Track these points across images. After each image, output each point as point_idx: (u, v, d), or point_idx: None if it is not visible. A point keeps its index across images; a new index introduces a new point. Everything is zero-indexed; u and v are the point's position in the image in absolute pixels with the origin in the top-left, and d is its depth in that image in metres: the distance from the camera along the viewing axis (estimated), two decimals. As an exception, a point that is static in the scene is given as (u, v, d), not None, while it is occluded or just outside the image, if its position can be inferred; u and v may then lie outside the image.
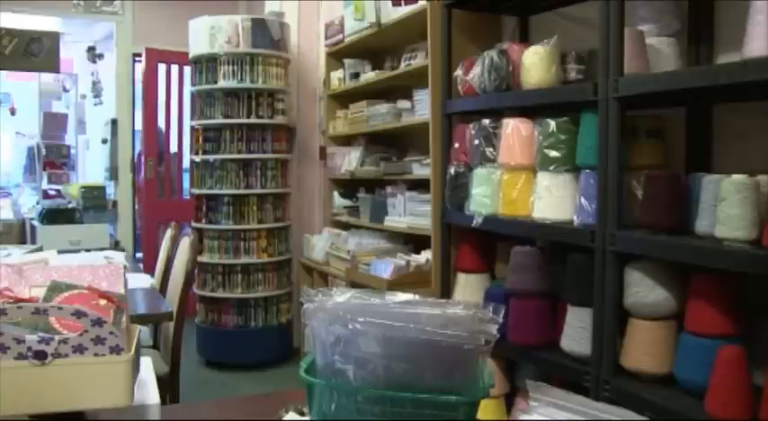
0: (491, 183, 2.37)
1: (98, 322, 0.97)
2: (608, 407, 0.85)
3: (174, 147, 6.08)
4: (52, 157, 6.23)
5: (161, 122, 5.93)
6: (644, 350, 1.87)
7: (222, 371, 4.44)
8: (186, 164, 6.06)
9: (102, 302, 1.06)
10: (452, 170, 2.59)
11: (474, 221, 2.40)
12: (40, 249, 2.00)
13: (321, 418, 0.93)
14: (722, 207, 1.63)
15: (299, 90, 4.89)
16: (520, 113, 2.35)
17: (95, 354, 0.98)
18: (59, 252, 1.42)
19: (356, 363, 0.90)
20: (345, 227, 4.35)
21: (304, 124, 4.89)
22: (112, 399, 0.99)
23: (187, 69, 5.75)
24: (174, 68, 5.87)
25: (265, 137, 4.49)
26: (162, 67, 5.83)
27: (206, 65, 4.49)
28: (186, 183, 6.09)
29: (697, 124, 2.05)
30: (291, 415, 1.19)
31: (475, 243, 2.60)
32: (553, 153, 2.11)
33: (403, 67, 3.59)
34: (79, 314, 0.96)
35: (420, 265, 3.34)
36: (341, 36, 4.22)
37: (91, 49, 6.51)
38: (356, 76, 4.20)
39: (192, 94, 4.71)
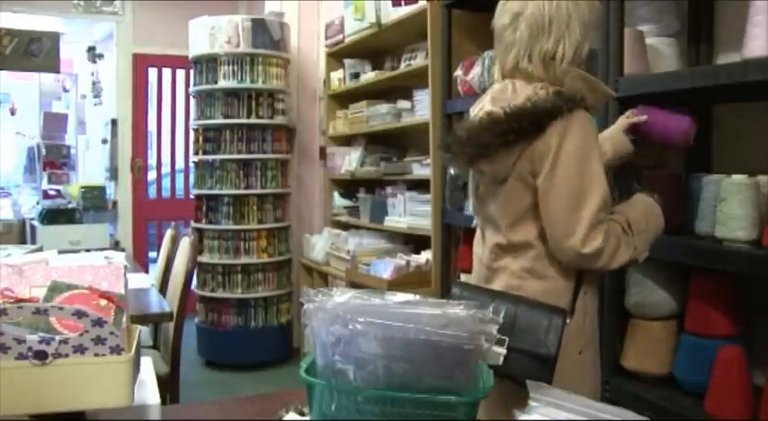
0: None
1: (98, 322, 0.97)
2: (608, 407, 0.85)
3: (167, 149, 6.16)
4: (52, 157, 6.22)
5: (153, 125, 6.03)
6: (644, 350, 1.87)
7: (222, 371, 4.44)
8: (180, 164, 6.13)
9: (103, 302, 1.06)
10: (452, 170, 2.59)
11: (474, 221, 2.40)
12: (40, 249, 2.00)
13: (321, 418, 0.93)
14: (722, 207, 1.63)
15: (299, 90, 4.89)
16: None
17: (96, 354, 0.98)
18: (59, 252, 1.42)
19: (356, 364, 0.90)
20: (345, 227, 4.35)
21: (304, 124, 4.89)
22: (113, 399, 0.99)
23: (180, 72, 5.86)
24: (167, 72, 5.97)
25: (265, 137, 4.49)
26: (153, 71, 5.95)
27: (206, 65, 4.49)
28: (180, 184, 6.15)
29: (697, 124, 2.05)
30: (291, 415, 1.19)
31: (475, 243, 2.59)
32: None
33: (403, 67, 3.59)
34: (80, 314, 0.96)
35: (420, 265, 3.34)
36: (341, 36, 4.22)
37: (91, 49, 6.50)
38: (356, 76, 4.20)
39: (191, 95, 4.71)
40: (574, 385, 1.26)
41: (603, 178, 1.40)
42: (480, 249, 1.63)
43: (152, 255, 5.81)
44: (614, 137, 1.73)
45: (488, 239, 1.58)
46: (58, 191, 6.07)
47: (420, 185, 3.46)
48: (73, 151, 6.53)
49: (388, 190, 3.75)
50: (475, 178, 1.61)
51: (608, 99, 1.59)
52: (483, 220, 1.62)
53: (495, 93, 1.54)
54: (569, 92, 1.41)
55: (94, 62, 6.56)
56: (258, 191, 4.47)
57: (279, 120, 4.54)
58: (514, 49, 1.49)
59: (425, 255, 3.34)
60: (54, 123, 6.42)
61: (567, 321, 1.40)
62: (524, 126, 1.38)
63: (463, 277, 2.63)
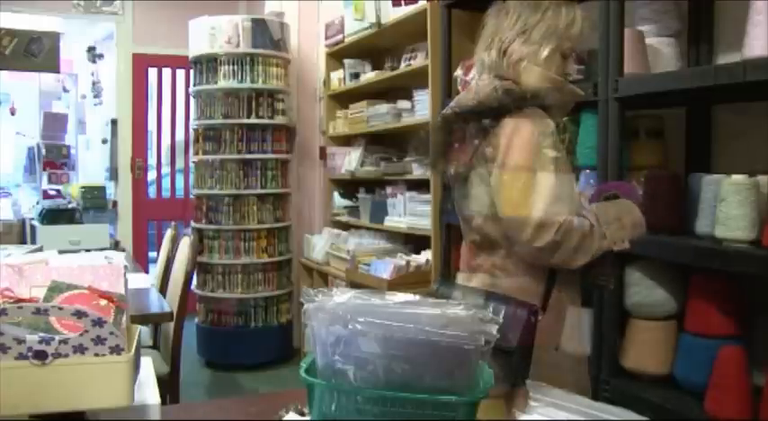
0: (491, 184, 2.36)
1: (98, 322, 0.97)
2: (608, 407, 0.85)
3: (167, 149, 6.18)
4: (52, 157, 6.23)
5: (153, 125, 6.04)
6: (644, 350, 1.87)
7: (222, 371, 4.44)
8: (180, 164, 6.14)
9: (103, 302, 1.06)
10: (452, 170, 2.59)
11: (474, 221, 2.40)
12: (40, 249, 1.99)
13: (321, 418, 0.93)
14: (722, 207, 1.63)
15: (298, 90, 4.89)
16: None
17: (96, 354, 0.98)
18: (59, 252, 1.42)
19: (356, 364, 0.90)
20: (345, 227, 4.35)
21: (304, 124, 4.89)
22: (113, 399, 0.99)
23: (180, 72, 5.87)
24: (167, 72, 5.99)
25: (265, 137, 4.49)
26: (153, 71, 5.96)
27: (206, 65, 4.49)
28: (180, 183, 6.16)
29: (697, 124, 2.05)
30: (291, 415, 1.19)
31: (475, 243, 2.59)
32: (553, 153, 2.11)
33: (403, 67, 3.59)
34: (80, 314, 0.96)
35: (420, 265, 3.34)
36: (341, 36, 4.22)
37: (91, 49, 6.50)
38: (356, 76, 4.20)
39: (191, 95, 4.72)
40: (552, 381, 1.27)
41: (552, 174, 1.41)
42: (464, 248, 1.66)
43: (152, 255, 5.81)
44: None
45: (466, 238, 1.61)
46: (58, 191, 6.07)
47: (420, 185, 3.46)
48: (73, 151, 6.53)
49: (388, 190, 3.75)
50: (450, 179, 1.64)
51: (576, 99, 1.60)
52: (461, 220, 1.64)
53: (462, 93, 1.58)
54: (521, 90, 1.43)
55: (94, 62, 6.56)
56: (258, 191, 4.47)
57: (279, 120, 4.54)
58: (483, 40, 1.53)
59: (425, 255, 3.34)
60: (54, 123, 6.42)
61: (540, 318, 1.41)
62: (470, 124, 1.41)
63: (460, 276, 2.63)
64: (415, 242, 3.68)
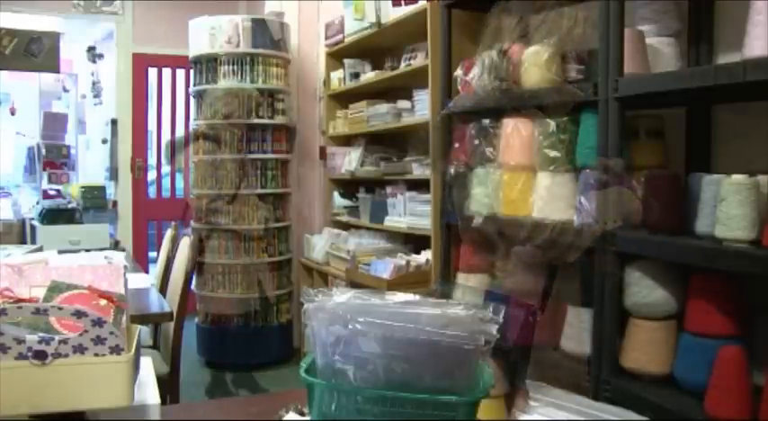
0: (491, 183, 2.36)
1: (98, 322, 0.97)
2: (608, 407, 0.85)
3: (166, 149, 6.20)
4: (52, 157, 6.23)
5: (153, 125, 6.07)
6: (644, 350, 1.87)
7: (222, 371, 4.44)
8: (180, 164, 6.15)
9: (103, 302, 1.06)
10: (452, 170, 2.59)
11: (474, 221, 2.40)
12: (40, 249, 1.99)
13: (321, 418, 0.93)
14: (722, 207, 1.63)
15: (299, 90, 4.90)
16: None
17: (96, 354, 0.98)
18: (59, 252, 1.42)
19: (356, 364, 0.90)
20: (345, 227, 4.35)
21: (304, 124, 4.89)
22: (113, 399, 0.99)
23: (180, 72, 5.88)
24: (167, 72, 5.99)
25: (265, 137, 4.49)
26: (153, 71, 5.98)
27: (206, 65, 4.49)
28: (180, 183, 6.17)
29: (697, 124, 2.05)
30: (291, 415, 1.19)
31: (475, 243, 2.60)
32: (553, 153, 2.11)
33: (403, 67, 3.59)
34: (79, 314, 0.96)
35: (420, 265, 3.34)
36: (341, 36, 4.22)
37: (91, 49, 6.51)
38: (356, 76, 4.20)
39: (191, 95, 4.72)
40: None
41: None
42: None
43: (152, 255, 5.81)
44: None
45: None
46: (58, 191, 6.07)
47: (420, 185, 3.46)
48: (73, 151, 6.53)
49: (388, 190, 3.75)
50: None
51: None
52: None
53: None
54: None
55: (94, 62, 6.56)
56: (258, 191, 4.47)
57: (279, 119, 4.54)
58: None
59: (425, 255, 3.34)
60: (54, 123, 6.42)
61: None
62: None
63: (462, 278, 2.63)
64: (415, 242, 3.68)
